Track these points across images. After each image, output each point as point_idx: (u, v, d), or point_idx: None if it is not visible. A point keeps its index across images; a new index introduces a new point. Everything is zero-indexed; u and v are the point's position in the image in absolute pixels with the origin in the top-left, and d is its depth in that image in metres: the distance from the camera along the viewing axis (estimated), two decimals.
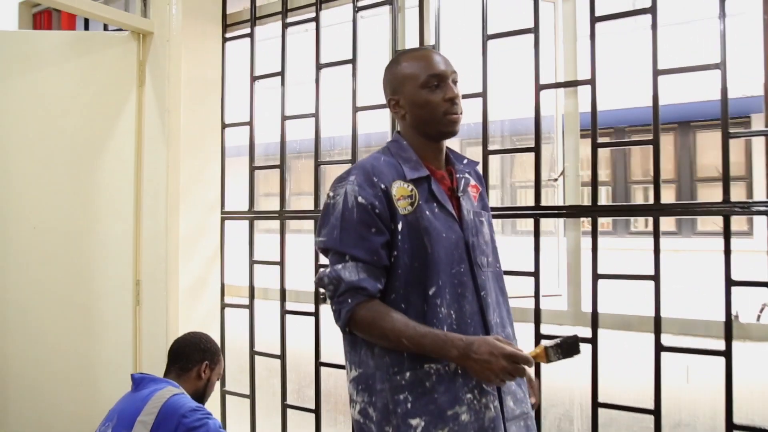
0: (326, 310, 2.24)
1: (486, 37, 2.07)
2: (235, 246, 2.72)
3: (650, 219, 1.82)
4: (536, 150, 1.98)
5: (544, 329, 1.95)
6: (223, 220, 2.64)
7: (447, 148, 1.52)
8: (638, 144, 1.92)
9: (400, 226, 1.35)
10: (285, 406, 2.47)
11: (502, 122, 3.26)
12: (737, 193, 5.05)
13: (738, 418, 1.66)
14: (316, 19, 2.42)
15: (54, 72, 2.42)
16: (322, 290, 1.44)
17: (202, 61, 2.49)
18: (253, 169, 2.57)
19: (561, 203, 2.31)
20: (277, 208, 2.51)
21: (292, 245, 2.51)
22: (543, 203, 1.98)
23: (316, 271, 2.27)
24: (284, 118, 2.48)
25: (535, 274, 1.95)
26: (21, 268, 2.40)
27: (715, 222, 1.75)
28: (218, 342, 2.58)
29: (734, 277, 1.69)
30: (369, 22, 2.42)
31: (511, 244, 2.65)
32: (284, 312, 2.46)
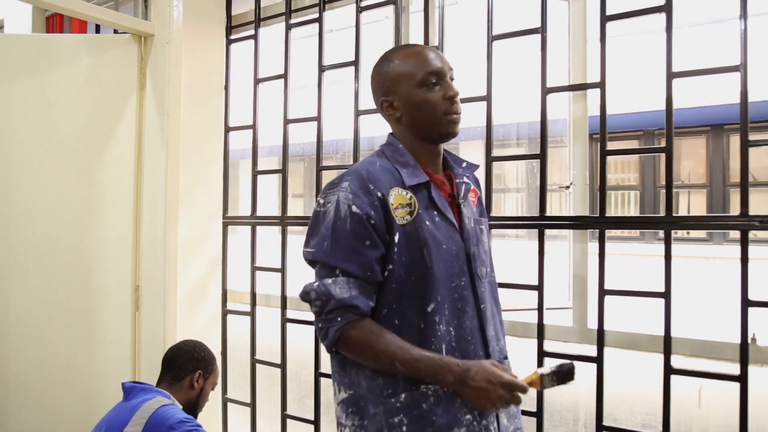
0: None
1: (491, 38, 1.98)
2: (240, 251, 2.68)
3: None
4: (542, 157, 1.88)
5: (548, 346, 1.85)
6: (225, 225, 2.60)
7: (444, 150, 1.43)
8: (649, 152, 1.81)
9: (397, 237, 1.25)
10: (285, 416, 2.42)
11: (530, 124, 3.13)
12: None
13: None
14: (320, 20, 2.36)
15: (54, 76, 2.40)
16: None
17: (203, 63, 2.45)
18: (256, 173, 2.52)
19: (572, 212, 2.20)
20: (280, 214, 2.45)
21: (296, 250, 2.44)
22: (555, 210, 1.88)
23: None
24: (287, 121, 2.42)
25: (539, 288, 1.85)
26: (21, 273, 2.39)
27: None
28: (220, 348, 2.55)
29: (755, 295, 1.56)
30: (373, 28, 2.35)
31: (521, 246, 2.53)
32: (285, 320, 2.41)
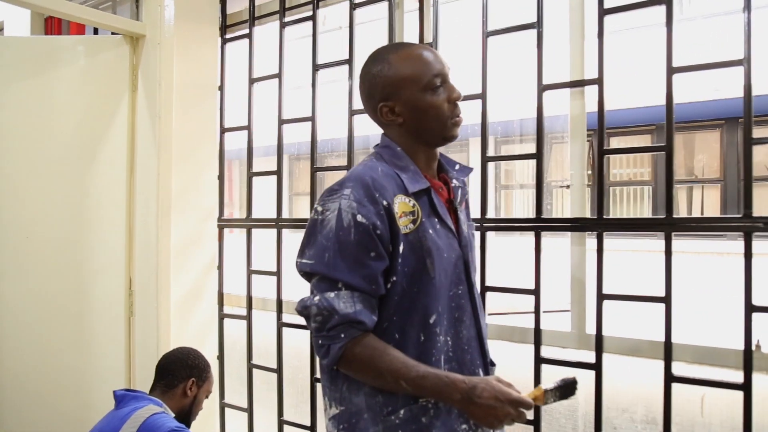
0: None
1: (486, 34, 1.92)
2: (236, 253, 2.64)
3: None
4: (538, 157, 1.82)
5: (545, 352, 1.79)
6: (220, 228, 2.56)
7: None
8: (647, 151, 1.74)
9: (401, 248, 1.18)
10: (281, 422, 2.39)
11: (533, 120, 3.05)
12: None
13: None
14: (313, 18, 2.31)
15: (46, 78, 2.38)
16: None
17: (197, 63, 2.40)
18: (251, 175, 2.49)
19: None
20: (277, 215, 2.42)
21: (292, 252, 2.40)
22: (558, 208, 1.82)
23: None
24: (281, 122, 2.38)
25: (536, 292, 1.79)
26: (14, 278, 2.37)
27: None
28: (216, 353, 2.52)
29: (759, 300, 1.49)
30: (367, 28, 2.30)
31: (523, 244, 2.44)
32: (281, 324, 2.37)
